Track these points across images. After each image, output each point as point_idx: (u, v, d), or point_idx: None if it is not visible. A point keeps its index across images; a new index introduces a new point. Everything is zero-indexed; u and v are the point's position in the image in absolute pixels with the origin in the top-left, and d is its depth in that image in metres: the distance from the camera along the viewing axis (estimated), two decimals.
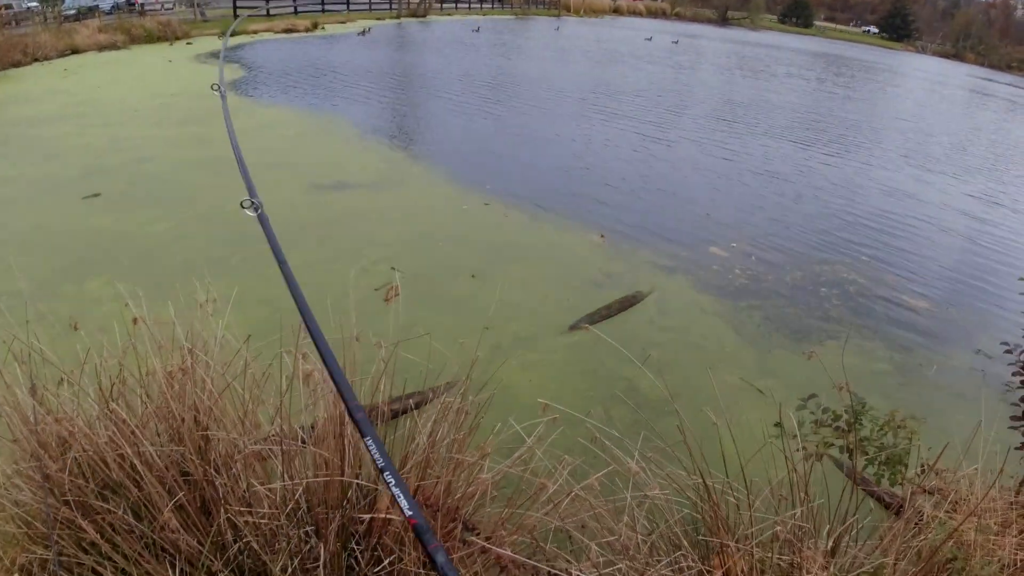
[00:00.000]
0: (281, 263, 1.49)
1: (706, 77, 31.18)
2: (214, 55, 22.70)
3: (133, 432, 2.71)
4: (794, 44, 66.90)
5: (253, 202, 1.63)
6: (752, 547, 2.66)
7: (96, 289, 6.48)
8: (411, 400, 4.48)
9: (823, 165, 15.14)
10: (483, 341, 5.92)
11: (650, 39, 48.47)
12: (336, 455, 2.92)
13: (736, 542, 2.72)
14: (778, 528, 2.75)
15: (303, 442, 3.04)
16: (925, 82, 47.01)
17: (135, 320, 3.15)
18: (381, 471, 1.01)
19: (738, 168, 13.89)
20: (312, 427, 3.13)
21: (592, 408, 5.21)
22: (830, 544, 3.00)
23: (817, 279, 8.47)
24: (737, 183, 12.76)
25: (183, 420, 2.88)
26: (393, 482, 1.00)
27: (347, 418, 3.33)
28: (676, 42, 49.61)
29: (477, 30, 43.12)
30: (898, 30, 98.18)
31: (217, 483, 2.73)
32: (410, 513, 0.98)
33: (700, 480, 3.00)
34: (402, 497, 0.99)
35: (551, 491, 2.81)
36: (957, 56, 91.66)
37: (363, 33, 34.27)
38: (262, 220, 1.58)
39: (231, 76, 18.92)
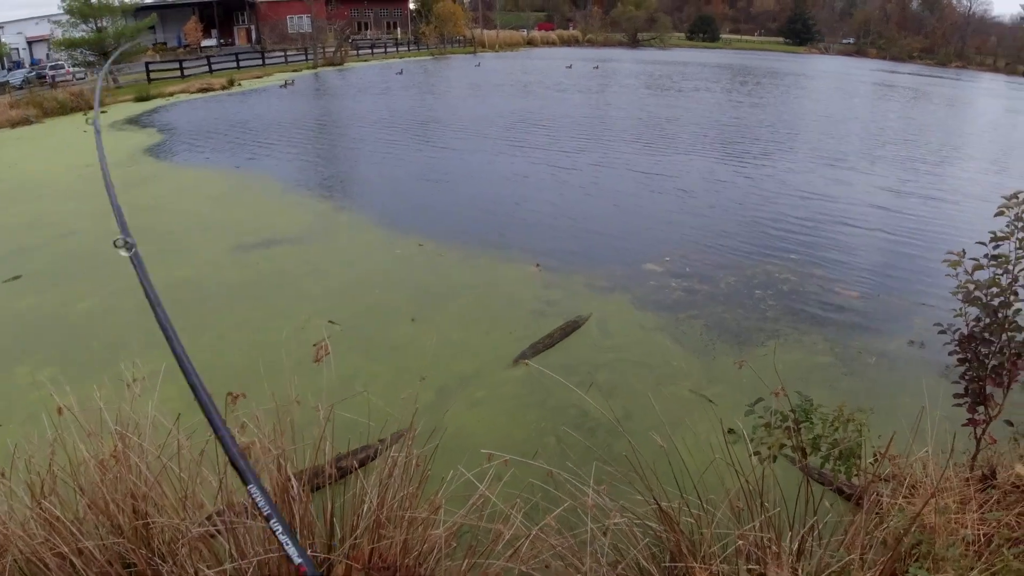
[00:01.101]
0: (154, 305, 1.39)
1: (624, 99, 31.89)
2: (131, 121, 22.24)
3: (70, 528, 2.53)
4: (705, 59, 69.20)
5: (126, 241, 1.51)
6: (717, 566, 2.60)
7: (22, 377, 6.12)
8: (357, 457, 4.33)
9: (742, 174, 15.54)
10: (427, 385, 5.81)
11: (570, 67, 49.61)
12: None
13: (701, 562, 2.66)
14: (740, 543, 2.69)
15: (250, 516, 2.88)
16: (830, 81, 49.10)
17: (59, 410, 2.95)
18: (267, 519, 0.95)
19: (662, 185, 14.15)
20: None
21: (545, 440, 5.14)
22: (795, 547, 2.97)
23: (751, 282, 8.62)
24: (663, 199, 13.00)
25: (121, 509, 2.70)
26: (280, 529, 0.95)
27: (292, 483, 3.20)
28: (596, 67, 50.86)
29: (400, 72, 43.44)
30: (800, 34, 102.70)
31: (163, 572, 2.55)
32: (299, 561, 0.93)
33: (657, 505, 2.91)
34: (290, 544, 0.94)
35: (508, 537, 2.71)
36: (860, 53, 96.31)
37: (285, 85, 34.05)
38: (135, 260, 1.47)
39: (148, 142, 18.51)
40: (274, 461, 3.25)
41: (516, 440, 5.12)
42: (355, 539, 2.67)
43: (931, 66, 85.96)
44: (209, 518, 2.85)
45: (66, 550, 2.49)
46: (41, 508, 2.65)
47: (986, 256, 3.72)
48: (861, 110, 31.28)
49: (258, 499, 0.99)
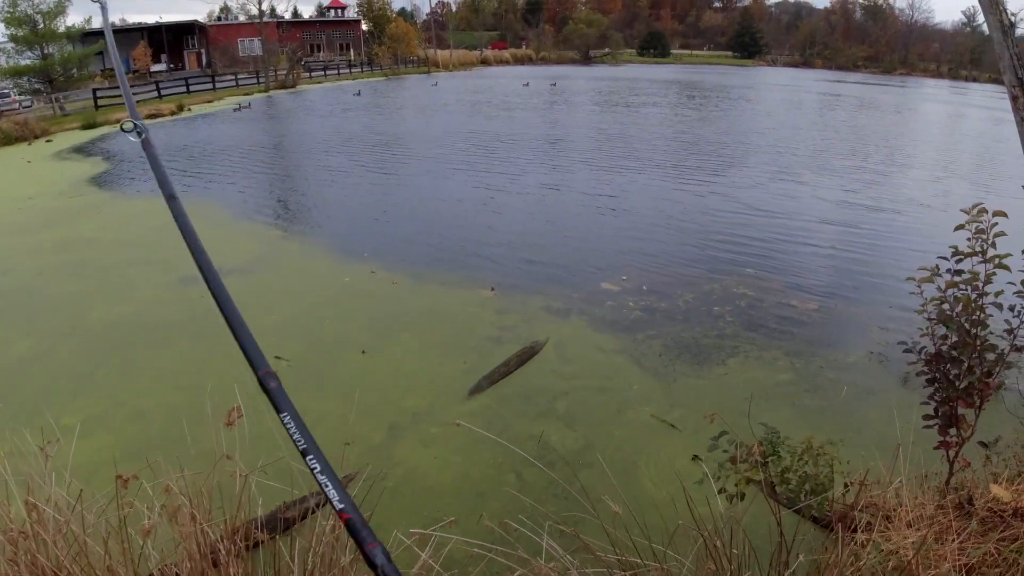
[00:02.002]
0: (168, 198, 1.19)
1: (579, 117, 31.97)
2: (76, 150, 21.51)
3: None
4: (657, 74, 70.07)
5: (135, 124, 1.32)
6: None
7: None
8: (299, 508, 4.02)
9: (694, 190, 15.54)
10: (380, 422, 5.52)
11: (527, 85, 49.91)
12: None
13: None
14: None
15: None
16: (778, 93, 50.02)
17: None
18: (304, 454, 0.83)
19: (617, 203, 14.04)
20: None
21: (503, 477, 4.88)
22: None
23: (708, 299, 8.49)
24: (618, 218, 12.88)
25: None
26: (318, 468, 0.81)
27: (221, 548, 2.89)
28: (554, 84, 51.21)
29: (358, 94, 43.13)
30: (748, 48, 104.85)
31: None
32: (341, 507, 0.80)
33: (623, 558, 2.67)
34: (331, 487, 0.79)
35: None
36: (806, 64, 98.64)
37: (239, 108, 33.46)
38: (145, 146, 1.28)
39: (93, 171, 17.85)
40: (201, 524, 2.96)
41: (472, 479, 4.85)
42: None
43: (876, 74, 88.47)
44: None
45: None
46: None
47: (949, 271, 3.58)
48: (810, 121, 31.80)
49: (292, 431, 0.87)
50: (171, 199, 1.23)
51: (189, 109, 33.84)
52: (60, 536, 2.55)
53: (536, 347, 6.93)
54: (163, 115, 31.32)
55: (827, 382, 6.47)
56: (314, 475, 0.84)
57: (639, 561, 2.77)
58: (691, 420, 5.67)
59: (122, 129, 1.38)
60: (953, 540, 3.19)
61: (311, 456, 0.86)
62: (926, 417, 3.74)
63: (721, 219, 12.58)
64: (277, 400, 0.89)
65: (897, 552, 3.13)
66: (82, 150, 21.60)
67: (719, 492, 3.31)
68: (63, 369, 6.71)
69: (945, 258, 3.60)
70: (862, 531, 3.23)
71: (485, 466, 5.03)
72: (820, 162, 19.24)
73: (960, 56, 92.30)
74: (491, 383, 6.20)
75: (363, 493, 3.05)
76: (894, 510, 3.51)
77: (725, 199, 14.27)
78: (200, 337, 7.38)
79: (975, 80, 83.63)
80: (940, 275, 3.55)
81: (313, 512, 3.97)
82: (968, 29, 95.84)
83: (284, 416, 0.91)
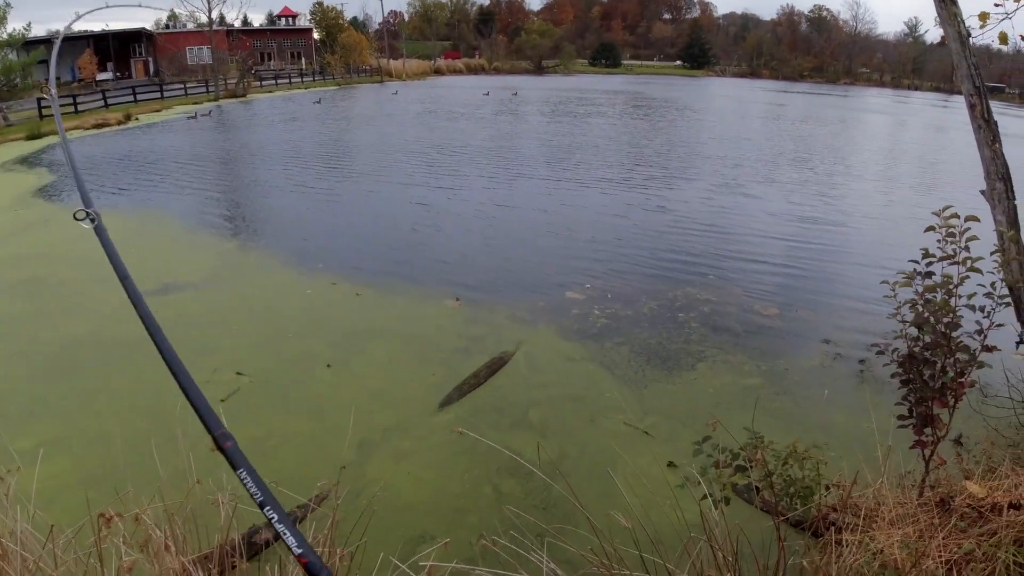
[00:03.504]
0: (123, 278, 1.18)
1: (537, 126, 32.09)
2: (20, 161, 20.70)
3: None
4: (608, 85, 70.84)
5: (88, 213, 1.29)
6: None
7: None
8: (271, 531, 3.88)
9: (651, 200, 15.65)
10: (350, 439, 5.38)
11: (487, 94, 50.10)
12: None
13: None
14: None
15: None
16: (727, 103, 51.03)
17: None
18: (262, 506, 0.87)
19: (576, 213, 14.08)
20: None
21: (480, 490, 4.81)
22: None
23: (672, 305, 8.55)
24: (575, 226, 12.89)
25: None
26: (276, 517, 0.85)
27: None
28: (515, 94, 51.51)
29: (318, 102, 42.80)
30: (697, 59, 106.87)
31: None
32: (300, 551, 0.83)
33: (617, 572, 2.62)
34: (288, 534, 0.84)
35: None
36: (754, 74, 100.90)
37: (196, 117, 32.73)
38: (99, 232, 1.25)
39: (39, 183, 17.17)
40: (172, 549, 2.83)
41: (449, 493, 4.76)
42: None
43: (821, 83, 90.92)
44: None
45: None
46: None
47: (919, 274, 3.63)
48: (757, 132, 32.46)
49: (249, 486, 0.89)
50: (125, 279, 1.24)
51: (137, 119, 32.97)
52: (27, 572, 2.39)
53: (505, 357, 6.87)
54: (110, 124, 30.40)
55: (794, 385, 6.55)
56: (272, 524, 0.87)
57: (630, 573, 2.72)
58: (664, 426, 5.67)
59: (75, 218, 1.36)
60: (935, 537, 3.23)
61: (268, 507, 0.89)
62: (901, 417, 3.78)
63: (678, 229, 12.66)
64: (233, 459, 0.91)
65: (882, 551, 3.15)
66: (27, 161, 20.85)
67: (703, 497, 3.29)
68: (15, 392, 6.40)
69: (916, 261, 3.66)
70: (847, 532, 3.25)
71: (461, 480, 4.94)
72: (768, 173, 19.50)
73: (903, 65, 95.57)
74: (462, 395, 6.11)
75: (336, 514, 2.94)
76: (876, 510, 3.53)
77: (680, 210, 14.37)
78: (158, 356, 7.13)
79: (917, 88, 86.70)
80: (917, 274, 3.61)
81: (300, 521, 3.85)
82: (910, 39, 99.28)
83: (240, 472, 0.94)
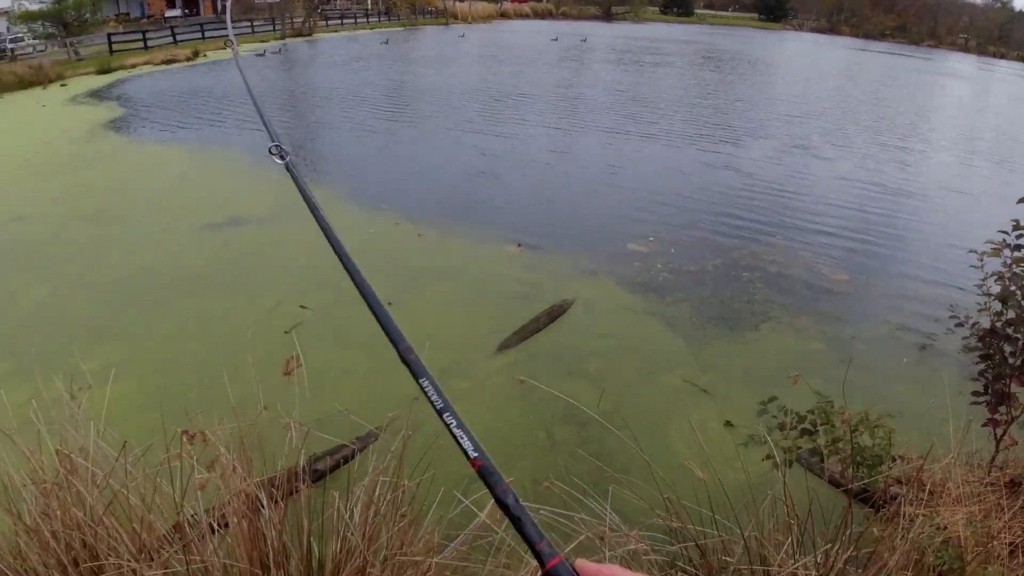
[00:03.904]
0: (313, 209, 1.24)
1: (609, 75, 31.40)
2: (92, 95, 21.22)
3: (9, 574, 2.15)
4: (681, 34, 68.64)
5: (279, 147, 1.35)
6: None
7: None
8: (333, 459, 4.01)
9: (722, 157, 15.28)
10: (406, 378, 5.46)
11: (555, 40, 48.99)
12: (255, 558, 2.43)
13: None
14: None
15: (215, 529, 2.55)
16: (802, 58, 49.01)
17: None
18: (440, 412, 0.92)
19: (639, 165, 13.85)
20: (224, 523, 2.63)
21: (534, 436, 4.85)
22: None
23: (737, 264, 8.38)
24: (640, 179, 12.66)
25: (68, 546, 2.33)
26: (454, 423, 0.90)
27: (263, 504, 2.86)
28: (584, 40, 50.23)
29: (386, 42, 42.62)
30: (774, 11, 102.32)
31: None
32: (475, 455, 0.86)
33: (677, 524, 2.61)
34: (464, 438, 0.88)
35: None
36: (833, 30, 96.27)
37: (263, 55, 32.95)
38: (290, 168, 1.31)
39: (109, 116, 17.60)
40: (240, 471, 2.93)
41: (503, 437, 4.82)
42: None
43: (903, 44, 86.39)
44: (165, 562, 2.50)
45: None
46: None
47: (1007, 246, 3.46)
48: (833, 91, 31.15)
49: (431, 393, 0.94)
50: (316, 211, 1.26)
51: (205, 55, 33.30)
52: (95, 487, 2.49)
53: (565, 305, 6.86)
54: (179, 60, 30.81)
55: (858, 353, 6.38)
56: (449, 429, 0.91)
57: (696, 528, 2.71)
58: (723, 385, 5.61)
59: (269, 152, 1.38)
60: (1001, 518, 3.14)
61: (447, 413, 0.92)
62: (975, 393, 3.66)
63: (746, 188, 12.32)
64: (416, 369, 1.00)
65: (946, 528, 3.08)
66: (98, 95, 21.35)
67: (766, 458, 3.25)
68: (84, 316, 6.67)
69: (1006, 232, 3.48)
70: (910, 506, 3.18)
71: (516, 424, 4.99)
72: (842, 136, 18.73)
73: (989, 31, 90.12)
74: (520, 339, 6.14)
75: (391, 449, 2.99)
76: (941, 486, 3.45)
77: (748, 168, 13.96)
78: (223, 286, 7.35)
79: (1003, 56, 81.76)
80: (1003, 248, 3.44)
81: (347, 461, 3.96)
82: (998, 4, 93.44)
83: (423, 381, 0.97)
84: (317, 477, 3.83)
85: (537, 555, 0.73)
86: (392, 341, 1.01)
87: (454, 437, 0.90)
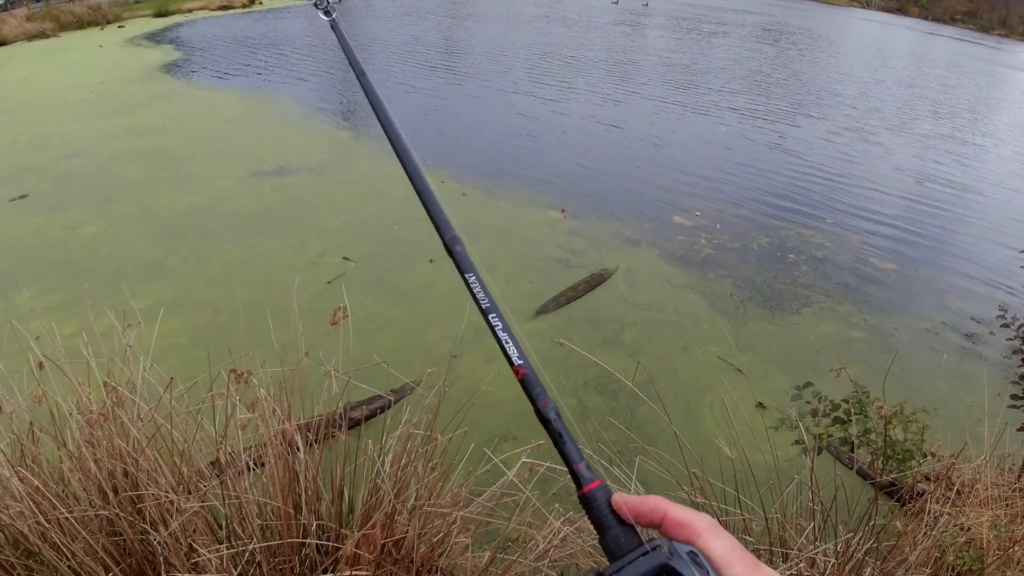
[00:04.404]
0: (359, 75, 1.22)
1: (666, 43, 30.73)
2: (148, 37, 21.48)
3: (51, 499, 2.26)
4: (742, 3, 66.53)
5: (327, 2, 1.34)
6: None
7: (19, 307, 5.85)
8: (369, 408, 4.11)
9: (776, 134, 14.89)
10: (445, 332, 5.55)
11: (616, 2, 47.68)
12: (289, 498, 2.53)
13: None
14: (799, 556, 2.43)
15: (251, 468, 2.66)
16: (866, 38, 47.27)
17: (40, 365, 2.64)
18: (486, 313, 0.89)
19: (690, 138, 13.56)
20: (260, 463, 2.73)
21: (565, 401, 4.90)
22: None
23: (783, 245, 8.25)
24: (689, 152, 12.45)
25: (110, 474, 2.44)
26: (500, 326, 0.87)
27: (299, 447, 2.96)
28: (646, 4, 48.83)
29: None
30: None
31: (155, 544, 2.31)
32: (520, 362, 0.84)
33: (701, 500, 2.64)
34: (510, 343, 0.86)
35: (538, 538, 2.45)
36: (901, 10, 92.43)
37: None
38: (335, 28, 1.29)
39: (164, 59, 17.81)
40: (279, 413, 3.02)
41: None
42: (367, 529, 2.40)
43: (973, 30, 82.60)
44: (203, 496, 2.61)
45: (44, 522, 2.23)
46: (19, 477, 2.37)
47: None
48: (895, 75, 30.02)
49: (476, 290, 0.91)
50: (362, 76, 1.20)
51: (261, 2, 33.34)
52: (139, 420, 2.60)
53: (605, 274, 6.85)
54: (234, 7, 30.82)
55: (900, 345, 6.29)
56: (494, 332, 0.87)
57: (720, 506, 2.74)
58: (759, 366, 5.59)
59: (315, 6, 1.34)
60: None
61: (493, 315, 0.89)
62: (1014, 397, 3.60)
63: (797, 168, 11.99)
64: (461, 263, 0.96)
65: (970, 528, 3.06)
66: (154, 37, 21.60)
67: (796, 443, 3.26)
68: (135, 254, 6.87)
69: None
70: (936, 503, 3.16)
71: (547, 388, 5.04)
72: (901, 122, 17.94)
73: None
74: (558, 305, 6.18)
75: (427, 401, 3.06)
76: (969, 487, 3.42)
77: (800, 149, 13.54)
78: (270, 233, 7.48)
79: None
80: None
81: (383, 411, 4.06)
82: None
83: (469, 276, 0.94)
84: (353, 424, 3.93)
85: (575, 475, 0.71)
86: (438, 229, 0.96)
87: (498, 341, 0.87)
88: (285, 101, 13.84)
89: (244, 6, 31.57)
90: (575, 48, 24.46)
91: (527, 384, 0.85)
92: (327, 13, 1.33)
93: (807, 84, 22.11)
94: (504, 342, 0.87)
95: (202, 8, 29.30)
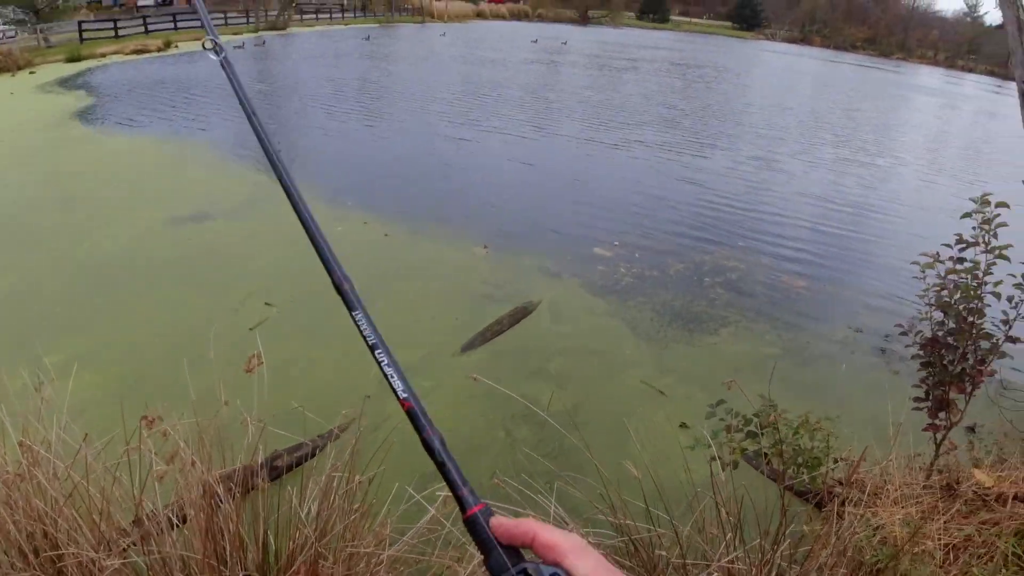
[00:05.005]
0: (249, 116, 1.18)
1: (582, 79, 31.56)
2: (61, 83, 20.81)
3: None
4: (654, 41, 69.10)
5: (215, 43, 1.29)
6: None
7: None
8: (292, 456, 4.04)
9: (687, 163, 15.48)
10: (371, 373, 5.50)
11: (535, 41, 49.19)
12: (212, 551, 2.47)
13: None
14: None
15: (173, 522, 2.59)
16: (772, 69, 49.71)
17: None
18: (372, 348, 0.90)
19: (606, 171, 13.96)
20: (182, 518, 2.67)
21: (493, 434, 4.92)
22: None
23: (699, 270, 8.53)
24: (606, 186, 12.78)
25: (29, 536, 2.36)
26: (386, 361, 0.88)
27: (221, 499, 2.88)
28: (565, 43, 50.36)
29: (367, 38, 42.53)
30: (748, 20, 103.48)
31: None
32: (404, 395, 0.85)
33: (621, 521, 2.70)
34: (395, 377, 0.86)
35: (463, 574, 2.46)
36: (805, 40, 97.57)
37: (241, 47, 32.61)
38: (224, 67, 1.25)
39: (78, 105, 17.30)
40: (199, 466, 2.95)
41: (464, 435, 4.89)
42: (292, 571, 2.37)
43: (873, 56, 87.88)
44: (125, 551, 2.54)
45: None
46: None
47: (951, 259, 3.60)
48: (800, 103, 31.65)
49: (363, 326, 0.91)
50: (252, 115, 1.19)
51: (176, 46, 32.83)
52: (56, 479, 2.52)
53: (529, 307, 6.94)
54: (150, 50, 30.34)
55: (813, 358, 6.57)
56: (381, 367, 0.89)
57: (636, 524, 2.80)
58: (680, 388, 5.74)
59: (203, 47, 1.34)
60: (936, 520, 3.28)
61: (379, 350, 0.90)
62: (917, 399, 3.80)
63: (709, 196, 12.40)
64: (348, 301, 0.96)
65: (883, 527, 3.21)
66: (67, 83, 20.98)
67: (712, 459, 3.36)
68: (49, 306, 6.61)
69: (949, 245, 3.63)
70: (850, 506, 3.30)
71: (476, 423, 5.06)
72: (806, 148, 18.79)
73: (958, 45, 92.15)
74: (484, 340, 6.22)
75: (358, 441, 3.04)
76: (881, 487, 3.59)
77: (712, 177, 14.03)
78: (189, 279, 7.31)
79: (971, 71, 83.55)
80: (942, 262, 3.58)
81: (308, 459, 3.98)
82: (969, 19, 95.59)
83: (356, 313, 0.95)
84: (275, 473, 3.86)
85: (460, 501, 0.73)
86: (327, 268, 0.98)
87: (384, 375, 0.88)
88: (202, 145, 13.61)
89: (159, 50, 31.07)
90: (493, 88, 24.90)
91: (413, 416, 0.86)
92: (216, 53, 1.35)
93: (715, 116, 23.01)
94: (390, 376, 0.89)
95: (116, 53, 28.67)
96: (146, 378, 5.27)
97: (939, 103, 41.07)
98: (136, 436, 2.88)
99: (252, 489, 3.35)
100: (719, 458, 3.28)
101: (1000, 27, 4.49)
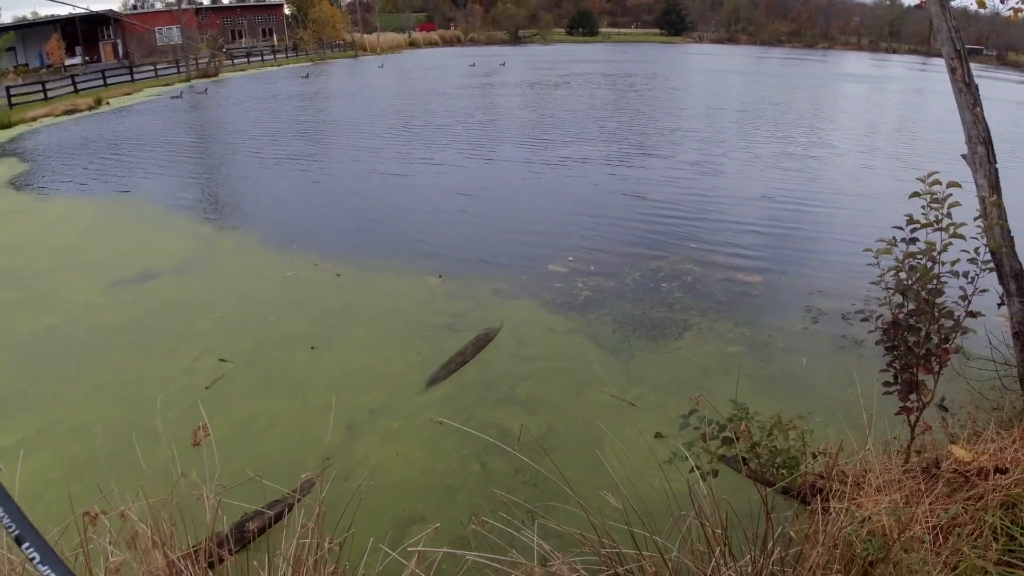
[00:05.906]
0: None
1: (513, 98, 31.75)
2: None
3: None
4: (585, 54, 70.09)
5: None
6: None
7: None
8: (263, 519, 3.85)
9: (629, 172, 15.60)
10: (337, 420, 5.34)
11: (473, 65, 49.89)
12: None
13: None
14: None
15: None
16: (702, 71, 50.76)
17: None
18: (19, 541, 0.74)
19: (553, 188, 13.98)
20: None
21: (468, 468, 4.80)
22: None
23: (656, 276, 8.55)
24: (555, 202, 12.80)
25: None
26: (38, 558, 0.73)
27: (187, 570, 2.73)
28: (503, 64, 51.08)
29: (306, 76, 42.67)
30: (675, 25, 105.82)
31: None
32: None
33: (608, 550, 2.60)
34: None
35: None
36: (731, 40, 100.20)
37: (179, 96, 32.28)
38: None
39: (10, 173, 16.71)
40: (159, 547, 2.79)
41: (438, 473, 4.75)
42: None
43: (799, 48, 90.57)
44: None
45: None
46: None
47: (904, 241, 3.61)
48: (733, 102, 32.27)
49: (6, 521, 0.75)
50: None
51: (108, 103, 32.19)
52: (13, 573, 2.34)
53: (491, 333, 6.84)
54: (81, 110, 29.67)
55: (778, 351, 6.58)
56: (35, 566, 0.78)
57: (626, 551, 2.71)
58: (651, 397, 5.68)
59: None
60: (921, 503, 3.25)
61: (27, 544, 0.78)
62: (886, 384, 3.79)
63: (658, 202, 12.55)
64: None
65: (870, 518, 3.17)
66: None
67: (691, 471, 3.29)
68: None
69: (900, 228, 3.63)
70: (834, 499, 3.26)
71: (449, 459, 4.92)
72: (744, 145, 19.17)
73: (880, 29, 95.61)
74: (448, 372, 6.09)
75: (322, 504, 2.90)
76: (863, 477, 3.56)
77: (657, 183, 14.17)
78: (139, 343, 7.04)
79: (895, 52, 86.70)
80: (896, 245, 3.58)
81: (273, 524, 3.81)
82: (888, 2, 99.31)
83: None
84: (242, 543, 3.68)
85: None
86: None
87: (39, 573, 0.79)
88: (142, 201, 13.24)
89: (90, 108, 30.39)
90: (432, 117, 24.89)
91: None
92: None
93: (650, 124, 23.26)
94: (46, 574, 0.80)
95: (46, 115, 27.91)
96: (99, 456, 5.01)
97: (869, 87, 42.34)
98: (91, 523, 2.70)
99: (221, 562, 3.17)
100: (698, 468, 3.21)
101: (918, 6, 4.57)
